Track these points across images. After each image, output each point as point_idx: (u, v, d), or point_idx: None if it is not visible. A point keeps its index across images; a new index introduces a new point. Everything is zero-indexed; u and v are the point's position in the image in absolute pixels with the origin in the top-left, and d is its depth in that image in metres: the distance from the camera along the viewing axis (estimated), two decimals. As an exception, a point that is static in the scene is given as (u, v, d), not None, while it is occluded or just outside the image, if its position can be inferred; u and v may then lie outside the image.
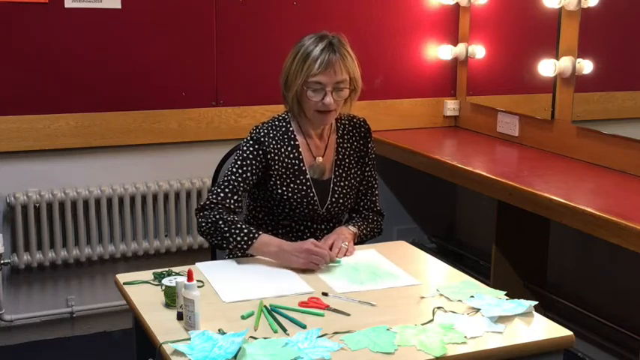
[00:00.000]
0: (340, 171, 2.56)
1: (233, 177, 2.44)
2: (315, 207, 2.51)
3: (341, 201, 2.55)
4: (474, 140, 3.96)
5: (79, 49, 3.48)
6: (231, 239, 2.32)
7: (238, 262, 2.37)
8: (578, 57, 3.37)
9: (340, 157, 2.57)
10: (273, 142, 2.49)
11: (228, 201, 2.41)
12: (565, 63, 3.41)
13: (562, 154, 3.50)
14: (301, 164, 2.51)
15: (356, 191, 2.61)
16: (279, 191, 2.49)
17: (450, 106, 4.21)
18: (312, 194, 2.50)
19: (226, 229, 2.33)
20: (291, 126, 2.53)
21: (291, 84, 2.46)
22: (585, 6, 3.30)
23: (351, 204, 2.61)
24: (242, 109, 3.78)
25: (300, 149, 2.52)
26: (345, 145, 2.59)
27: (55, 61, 3.45)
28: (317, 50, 2.41)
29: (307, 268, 2.27)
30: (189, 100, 3.70)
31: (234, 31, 3.72)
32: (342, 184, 2.56)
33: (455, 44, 4.13)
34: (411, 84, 4.13)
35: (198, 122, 3.72)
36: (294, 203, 2.49)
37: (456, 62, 4.18)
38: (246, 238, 2.32)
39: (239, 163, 2.46)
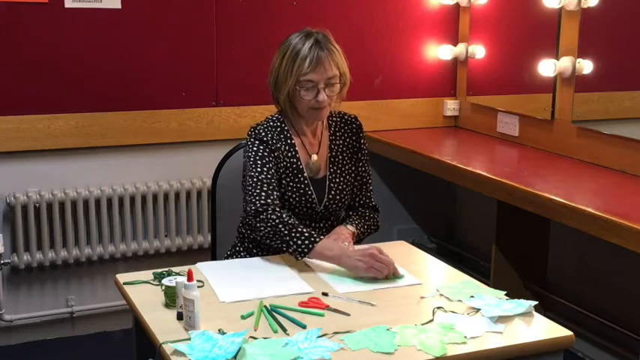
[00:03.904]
0: (335, 168, 2.56)
1: (262, 176, 2.41)
2: (314, 205, 2.51)
3: (338, 197, 2.55)
4: (474, 140, 3.96)
5: (79, 49, 3.48)
6: (291, 243, 2.30)
7: (238, 262, 2.37)
8: (578, 57, 3.36)
9: (334, 153, 2.57)
10: (273, 142, 2.49)
11: (271, 199, 2.38)
12: (565, 63, 3.41)
13: (562, 154, 3.50)
14: (299, 163, 2.51)
15: (351, 187, 2.61)
16: (281, 191, 2.48)
17: (450, 106, 4.20)
18: (310, 192, 2.50)
19: (286, 232, 2.31)
20: (285, 125, 2.53)
21: (282, 85, 2.45)
22: (585, 6, 3.29)
23: (348, 200, 2.61)
24: (242, 109, 3.78)
25: (297, 148, 2.52)
26: (338, 142, 2.59)
27: (55, 61, 3.45)
28: (305, 49, 2.41)
29: (369, 273, 2.22)
30: (189, 100, 3.69)
31: (234, 31, 3.72)
32: (337, 180, 2.56)
33: (455, 44, 4.13)
34: (411, 84, 4.12)
35: (198, 122, 3.71)
36: (294, 202, 2.49)
37: (455, 62, 4.17)
38: (307, 242, 2.29)
39: (259, 162, 2.44)
